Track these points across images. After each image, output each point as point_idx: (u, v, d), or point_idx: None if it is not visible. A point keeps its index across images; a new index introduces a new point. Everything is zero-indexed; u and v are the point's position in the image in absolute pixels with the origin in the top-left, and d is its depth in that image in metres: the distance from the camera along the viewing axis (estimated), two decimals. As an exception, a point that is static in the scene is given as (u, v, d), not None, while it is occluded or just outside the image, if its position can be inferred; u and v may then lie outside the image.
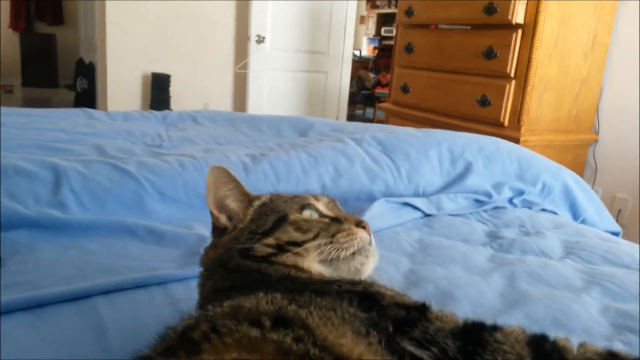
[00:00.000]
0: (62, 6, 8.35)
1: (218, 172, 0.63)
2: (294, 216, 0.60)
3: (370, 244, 0.61)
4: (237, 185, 0.64)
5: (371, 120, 6.58)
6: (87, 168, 1.04)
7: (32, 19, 8.29)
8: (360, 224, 0.61)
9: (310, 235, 0.58)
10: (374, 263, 0.60)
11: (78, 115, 1.72)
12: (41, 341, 0.66)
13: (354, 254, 0.58)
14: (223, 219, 0.64)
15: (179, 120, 1.80)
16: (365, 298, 0.47)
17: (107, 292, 0.76)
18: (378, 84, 6.72)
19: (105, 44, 4.06)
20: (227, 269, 0.58)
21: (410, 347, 0.40)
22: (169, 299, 0.79)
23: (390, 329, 0.42)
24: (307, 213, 0.61)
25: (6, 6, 8.08)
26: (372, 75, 7.08)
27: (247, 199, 0.64)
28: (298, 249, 0.56)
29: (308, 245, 0.57)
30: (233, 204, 0.64)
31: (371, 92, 6.71)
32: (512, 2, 2.35)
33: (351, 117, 6.15)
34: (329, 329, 0.40)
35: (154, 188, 1.04)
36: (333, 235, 0.58)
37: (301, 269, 0.56)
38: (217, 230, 0.64)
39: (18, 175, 1.01)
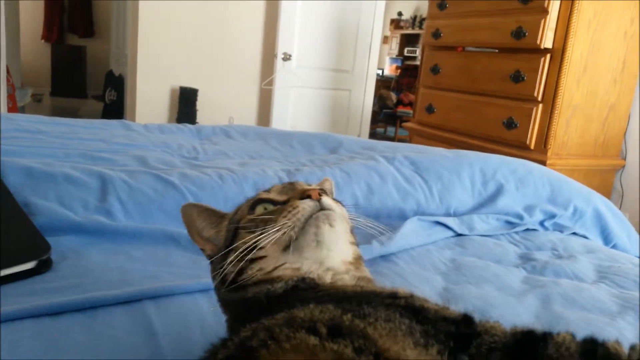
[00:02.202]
0: (93, 20, 8.61)
1: (190, 209, 0.63)
2: (245, 219, 0.58)
3: (320, 208, 0.55)
4: (210, 211, 0.64)
5: (392, 139, 6.60)
6: (132, 178, 1.08)
7: (64, 31, 8.57)
8: (304, 194, 0.56)
9: (258, 231, 0.55)
10: (330, 227, 0.54)
11: (116, 127, 1.78)
12: (96, 341, 0.68)
13: (303, 227, 0.54)
14: (209, 248, 0.63)
15: (212, 134, 1.85)
16: (411, 311, 0.46)
17: (155, 297, 0.79)
18: (400, 103, 6.76)
19: (136, 57, 4.18)
20: (224, 303, 0.59)
21: None
22: (212, 305, 0.82)
23: (451, 343, 0.41)
24: (259, 209, 0.59)
25: (40, 18, 8.37)
26: (393, 94, 7.13)
27: (221, 219, 0.63)
28: (258, 252, 0.54)
29: (262, 241, 0.53)
30: (211, 232, 0.63)
31: (393, 111, 6.74)
32: (541, 27, 2.38)
33: (372, 135, 6.18)
34: (392, 340, 0.40)
35: (195, 199, 1.08)
36: (277, 220, 0.54)
37: (275, 279, 0.53)
38: (209, 260, 0.64)
39: (67, 183, 1.05)
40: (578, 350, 0.41)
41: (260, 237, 0.53)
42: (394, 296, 0.50)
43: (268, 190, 0.63)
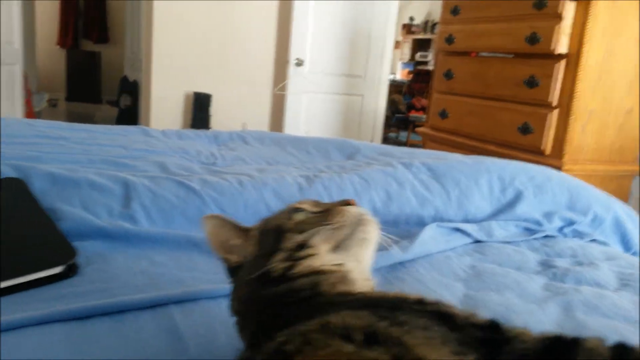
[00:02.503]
0: (107, 25, 8.72)
1: (213, 219, 0.65)
2: (288, 224, 0.61)
3: (364, 214, 0.61)
4: (233, 224, 0.66)
5: (404, 144, 6.60)
6: (155, 184, 1.09)
7: (79, 36, 8.69)
8: (345, 204, 0.63)
9: (310, 232, 0.59)
10: (377, 231, 0.61)
11: (135, 133, 1.80)
12: (125, 345, 0.70)
13: (354, 229, 0.59)
14: (234, 257, 0.65)
15: (229, 140, 1.87)
16: (441, 317, 0.46)
17: (180, 301, 0.80)
18: (412, 107, 6.76)
19: (150, 63, 4.23)
20: (257, 302, 0.59)
21: None
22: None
23: (484, 350, 0.41)
24: (299, 216, 0.63)
25: (55, 24, 8.50)
26: (400, 97, 7.15)
27: (245, 231, 0.66)
28: (307, 250, 0.57)
29: (312, 240, 0.58)
30: (237, 241, 0.65)
31: (405, 115, 6.74)
32: (556, 32, 2.37)
33: (385, 140, 6.18)
34: (429, 348, 0.40)
35: (216, 205, 1.09)
36: (330, 221, 0.59)
37: (321, 272, 0.56)
38: (233, 271, 0.65)
39: (91, 189, 1.07)
40: (610, 356, 0.41)
41: (315, 236, 0.58)
42: (421, 302, 0.50)
43: (300, 202, 0.67)
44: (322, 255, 0.58)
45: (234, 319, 0.65)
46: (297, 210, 0.63)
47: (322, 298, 0.54)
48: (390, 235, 0.68)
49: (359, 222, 0.60)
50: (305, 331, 0.44)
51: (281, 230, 0.61)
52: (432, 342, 0.41)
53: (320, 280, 0.56)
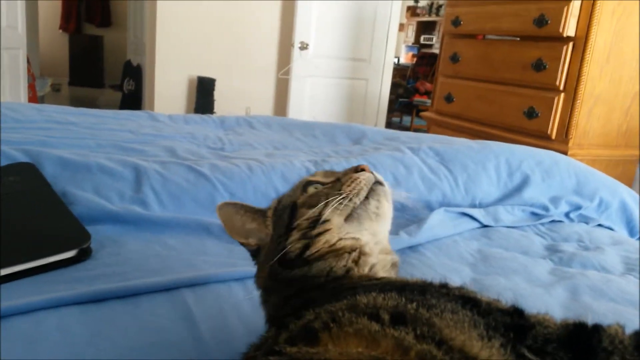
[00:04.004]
0: (110, 9, 8.66)
1: (226, 207, 0.65)
2: (301, 199, 0.61)
3: (378, 182, 0.60)
4: (247, 207, 0.66)
5: (408, 128, 6.57)
6: (165, 169, 1.10)
7: (81, 20, 8.63)
8: (358, 169, 0.61)
9: (321, 204, 0.57)
10: (387, 203, 0.60)
11: (143, 117, 1.81)
12: (139, 327, 0.71)
13: (367, 198, 0.58)
14: (253, 241, 0.65)
15: (236, 125, 1.87)
16: (467, 302, 0.46)
17: (192, 284, 0.82)
18: (416, 92, 6.71)
19: (154, 47, 4.21)
20: (280, 281, 0.59)
21: (532, 356, 0.40)
22: (248, 293, 0.84)
23: (511, 335, 0.41)
24: (311, 189, 0.62)
25: (58, 8, 8.44)
26: (403, 82, 7.12)
27: (261, 213, 0.66)
28: (321, 226, 0.56)
29: (325, 213, 0.56)
30: (253, 225, 0.65)
31: (409, 100, 6.70)
32: (564, 15, 2.35)
33: (388, 124, 6.17)
34: (458, 330, 0.41)
35: (226, 189, 1.10)
36: (339, 190, 0.58)
37: (336, 253, 0.56)
38: (254, 253, 0.66)
39: (103, 174, 1.08)
40: (631, 343, 0.42)
41: (327, 208, 0.56)
42: (445, 287, 0.51)
43: (313, 175, 0.67)
44: (336, 228, 0.57)
45: (249, 299, 0.65)
46: (309, 183, 0.63)
47: (347, 281, 0.54)
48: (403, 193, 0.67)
49: (372, 195, 0.58)
50: (333, 310, 0.45)
51: (294, 207, 0.60)
52: (460, 326, 0.41)
53: (335, 265, 0.56)
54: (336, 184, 0.61)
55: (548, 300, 0.89)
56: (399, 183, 1.26)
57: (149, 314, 0.74)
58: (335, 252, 0.56)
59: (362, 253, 0.58)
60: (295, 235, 0.58)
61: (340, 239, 0.57)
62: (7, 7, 3.73)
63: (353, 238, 0.57)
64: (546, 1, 2.45)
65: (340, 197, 0.57)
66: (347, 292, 0.49)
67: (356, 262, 0.57)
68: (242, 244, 0.67)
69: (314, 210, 0.57)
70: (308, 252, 0.56)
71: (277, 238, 0.61)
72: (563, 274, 1.00)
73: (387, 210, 0.60)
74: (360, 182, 0.58)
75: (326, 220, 0.57)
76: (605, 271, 1.04)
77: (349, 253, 0.57)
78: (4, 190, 0.98)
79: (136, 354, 0.64)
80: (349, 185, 0.58)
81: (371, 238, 0.59)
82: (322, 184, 0.63)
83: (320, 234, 0.57)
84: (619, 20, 2.34)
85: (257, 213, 0.67)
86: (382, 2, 4.57)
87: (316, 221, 0.57)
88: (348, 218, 0.58)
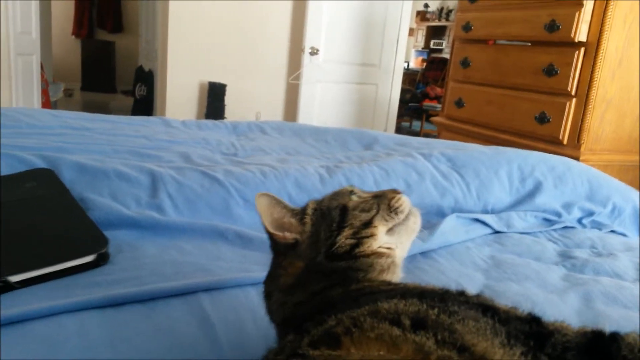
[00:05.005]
0: (122, 15, 8.76)
1: (267, 198, 0.67)
2: (351, 202, 0.64)
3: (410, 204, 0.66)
4: (285, 204, 0.67)
5: (417, 133, 6.57)
6: (180, 174, 1.12)
7: (93, 26, 8.74)
8: (396, 191, 0.67)
9: (373, 211, 0.62)
10: (419, 222, 0.67)
11: (156, 123, 1.83)
12: (157, 331, 0.72)
13: (407, 216, 0.64)
14: (289, 235, 0.66)
15: (248, 130, 1.89)
16: (487, 310, 0.46)
17: (208, 289, 0.83)
18: (426, 96, 6.71)
19: (166, 53, 4.25)
20: (320, 273, 0.61)
21: None
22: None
23: (531, 343, 0.42)
24: (354, 197, 0.66)
25: (71, 14, 8.55)
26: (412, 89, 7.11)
27: (299, 211, 0.67)
28: (371, 230, 0.61)
29: (375, 220, 0.62)
30: (291, 220, 0.66)
31: (419, 104, 6.70)
32: (576, 20, 2.34)
33: (398, 129, 6.17)
34: (481, 338, 0.41)
35: (240, 195, 1.11)
36: (388, 205, 0.63)
37: (378, 255, 0.61)
38: (284, 248, 0.66)
39: (119, 179, 1.10)
40: None
41: (378, 215, 0.62)
42: (464, 294, 0.52)
43: (349, 187, 0.71)
44: (380, 236, 0.62)
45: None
46: (351, 192, 0.67)
47: (367, 284, 0.57)
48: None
49: (411, 213, 0.65)
50: (354, 316, 0.45)
51: (346, 209, 0.64)
52: (482, 333, 0.42)
53: (376, 263, 0.60)
54: (380, 198, 0.65)
55: (561, 307, 0.89)
56: (411, 189, 1.26)
57: (166, 318, 0.76)
58: (378, 254, 0.61)
59: (393, 263, 0.62)
60: (346, 232, 0.61)
61: (380, 247, 0.61)
62: (22, 14, 3.79)
63: (389, 248, 0.62)
64: (557, 7, 2.45)
65: (391, 213, 0.63)
66: (368, 298, 0.50)
67: (388, 268, 0.61)
68: (274, 236, 0.67)
69: (367, 214, 0.62)
70: (357, 250, 0.61)
71: (323, 234, 0.63)
72: (576, 280, 1.00)
73: (418, 227, 0.66)
74: (405, 201, 0.65)
75: (375, 226, 0.61)
76: (618, 277, 1.04)
77: (387, 258, 0.62)
78: (24, 196, 1.00)
79: (154, 357, 0.66)
80: (397, 201, 0.64)
81: (401, 252, 0.64)
82: (361, 196, 0.67)
83: (367, 237, 0.61)
84: (631, 26, 2.33)
85: (294, 210, 0.68)
86: (392, 6, 4.58)
87: (366, 224, 0.61)
88: (389, 230, 0.63)
